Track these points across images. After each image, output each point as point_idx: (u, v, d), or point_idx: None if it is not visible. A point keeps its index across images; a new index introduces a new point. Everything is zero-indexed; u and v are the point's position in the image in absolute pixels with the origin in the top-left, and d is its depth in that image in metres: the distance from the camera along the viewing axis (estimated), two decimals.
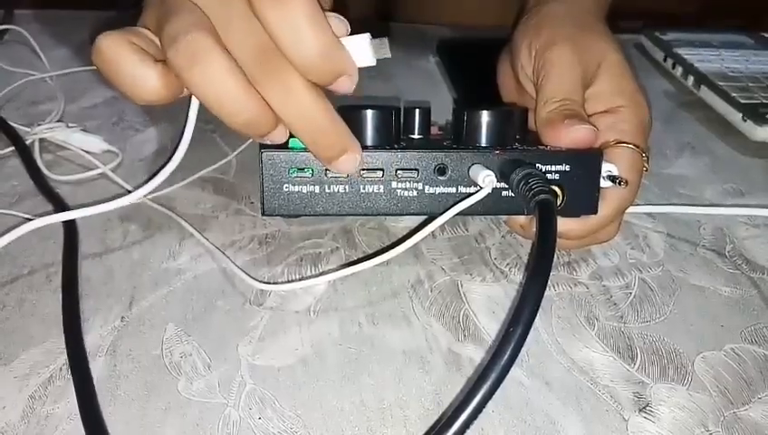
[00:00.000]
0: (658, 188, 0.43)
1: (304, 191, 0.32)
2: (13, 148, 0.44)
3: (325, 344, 0.30)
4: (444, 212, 0.31)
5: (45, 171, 0.41)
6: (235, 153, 0.44)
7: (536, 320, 0.31)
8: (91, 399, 0.26)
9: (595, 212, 0.33)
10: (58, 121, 0.47)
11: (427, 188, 0.32)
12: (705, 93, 0.56)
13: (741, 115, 0.51)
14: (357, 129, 0.31)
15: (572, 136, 0.32)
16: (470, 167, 0.31)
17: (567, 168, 0.32)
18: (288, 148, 0.31)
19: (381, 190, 0.32)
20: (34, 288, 0.32)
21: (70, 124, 0.46)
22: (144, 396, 0.27)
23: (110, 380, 0.27)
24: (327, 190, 0.32)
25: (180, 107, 0.30)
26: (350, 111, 0.32)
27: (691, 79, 0.58)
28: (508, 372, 0.22)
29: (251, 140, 0.46)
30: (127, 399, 0.26)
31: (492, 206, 0.32)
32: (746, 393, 0.28)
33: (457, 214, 0.31)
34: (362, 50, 0.28)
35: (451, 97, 0.56)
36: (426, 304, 0.32)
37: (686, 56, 0.61)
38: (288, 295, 0.32)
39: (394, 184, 0.32)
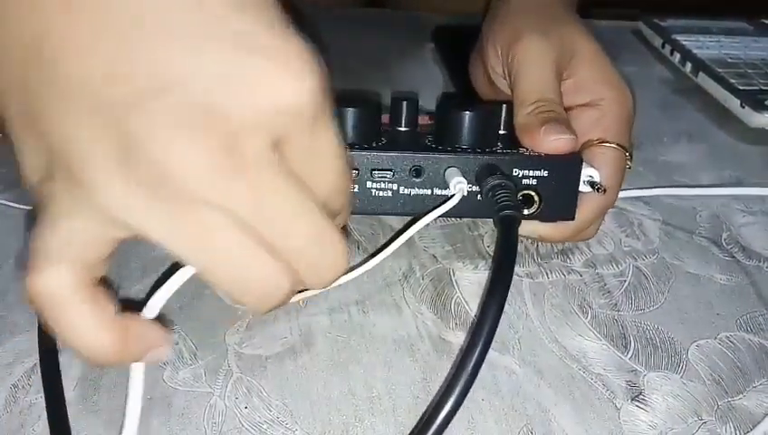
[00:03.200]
0: (655, 175, 0.43)
1: None
2: (0, 135, 0.43)
3: (314, 333, 0.29)
4: (413, 224, 0.30)
5: None
6: None
7: (528, 307, 0.31)
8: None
9: (572, 218, 0.32)
10: None
11: (401, 188, 0.31)
12: (704, 80, 0.55)
13: (739, 102, 0.50)
14: None
15: (551, 145, 0.31)
16: (446, 170, 0.31)
17: (545, 173, 0.31)
18: None
19: (357, 190, 0.31)
20: (20, 277, 0.32)
21: None
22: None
23: (95, 369, 0.27)
24: None
25: None
26: None
27: (689, 65, 0.58)
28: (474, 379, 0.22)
29: None
30: (111, 387, 0.26)
31: (468, 209, 0.31)
32: (741, 382, 0.28)
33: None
34: None
35: (447, 86, 0.55)
36: (417, 292, 0.32)
37: (684, 42, 0.61)
38: None
39: (369, 184, 0.31)
